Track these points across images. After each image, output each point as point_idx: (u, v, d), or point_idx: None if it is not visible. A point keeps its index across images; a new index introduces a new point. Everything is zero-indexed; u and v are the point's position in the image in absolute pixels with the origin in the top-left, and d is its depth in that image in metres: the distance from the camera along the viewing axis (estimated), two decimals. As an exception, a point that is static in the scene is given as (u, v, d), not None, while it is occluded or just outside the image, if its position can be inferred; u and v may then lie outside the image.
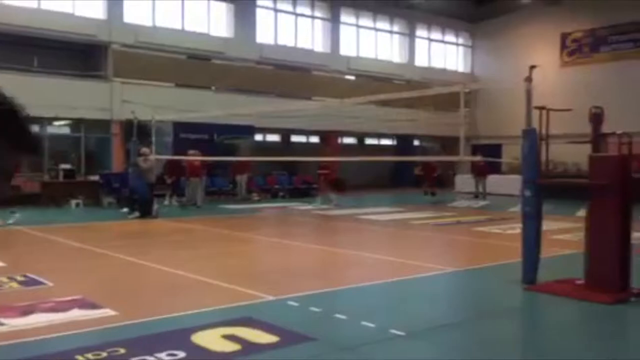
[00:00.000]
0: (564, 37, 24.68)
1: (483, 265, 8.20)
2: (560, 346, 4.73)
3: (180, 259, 8.39)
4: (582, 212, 6.27)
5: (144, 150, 14.15)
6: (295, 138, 24.76)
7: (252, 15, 22.20)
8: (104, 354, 4.17)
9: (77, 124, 18.68)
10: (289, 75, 22.75)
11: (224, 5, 21.50)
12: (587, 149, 6.93)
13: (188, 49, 20.36)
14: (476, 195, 20.66)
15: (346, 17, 25.05)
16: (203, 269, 7.50)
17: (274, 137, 24.26)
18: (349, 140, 26.31)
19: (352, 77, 25.02)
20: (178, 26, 20.32)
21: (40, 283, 6.53)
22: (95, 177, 17.48)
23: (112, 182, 16.95)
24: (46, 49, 18.18)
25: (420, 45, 27.53)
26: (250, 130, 20.69)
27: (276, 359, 4.24)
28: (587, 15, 23.65)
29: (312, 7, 24.07)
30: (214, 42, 21.07)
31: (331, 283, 6.89)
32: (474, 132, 26.78)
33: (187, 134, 18.97)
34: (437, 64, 27.95)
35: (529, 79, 7.00)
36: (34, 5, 17.55)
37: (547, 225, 10.35)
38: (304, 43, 23.73)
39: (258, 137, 22.46)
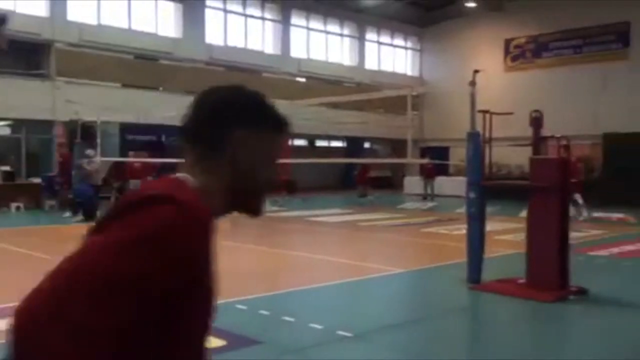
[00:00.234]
0: (507, 42, 25.39)
1: (430, 265, 8.35)
2: (504, 344, 4.86)
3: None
4: (524, 213, 6.46)
5: (89, 152, 13.80)
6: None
7: (201, 15, 21.96)
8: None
9: (17, 124, 18.04)
10: (239, 76, 22.56)
11: (172, 4, 21.19)
12: (529, 151, 7.16)
13: (135, 48, 19.96)
14: (424, 197, 21.02)
15: (297, 19, 25.07)
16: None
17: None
18: (300, 142, 26.34)
19: (303, 79, 25.05)
20: (125, 25, 19.90)
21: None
22: (37, 180, 16.92)
23: (54, 185, 16.45)
24: (-15, 47, 17.50)
25: (370, 48, 27.82)
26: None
27: (222, 363, 4.20)
28: (530, 21, 24.40)
29: (263, 8, 23.99)
30: (162, 42, 20.73)
31: (280, 285, 6.88)
32: (423, 134, 27.25)
33: (134, 136, 18.59)
34: (387, 67, 28.30)
35: (472, 83, 7.18)
36: (-28, 0, 16.88)
37: (491, 226, 10.62)
38: (254, 44, 23.62)
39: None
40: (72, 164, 15.13)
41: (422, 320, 5.66)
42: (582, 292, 6.26)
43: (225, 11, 22.75)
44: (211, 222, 1.07)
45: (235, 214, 1.30)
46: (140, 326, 0.93)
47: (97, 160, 13.89)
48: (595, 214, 14.67)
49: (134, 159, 16.04)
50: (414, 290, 7.16)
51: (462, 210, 8.49)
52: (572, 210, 13.60)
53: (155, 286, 0.93)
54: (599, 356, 4.50)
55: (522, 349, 4.81)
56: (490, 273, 6.95)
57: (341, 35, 26.80)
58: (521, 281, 6.53)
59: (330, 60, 26.12)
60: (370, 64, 27.66)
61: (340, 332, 4.85)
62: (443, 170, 23.34)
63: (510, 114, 7.61)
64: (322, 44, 26.04)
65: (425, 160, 20.76)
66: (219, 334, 4.70)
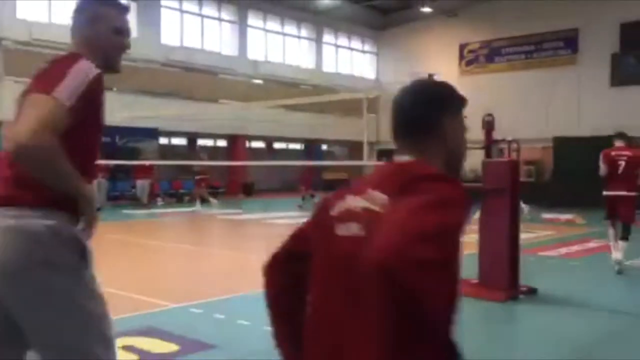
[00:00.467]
0: (462, 47, 25.89)
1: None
2: (458, 343, 4.95)
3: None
4: (478, 215, 6.59)
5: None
6: (202, 141, 24.38)
7: (157, 15, 21.65)
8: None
9: (-37, 124, 17.41)
10: (196, 77, 22.35)
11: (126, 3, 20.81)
12: (482, 155, 7.31)
13: (88, 47, 19.53)
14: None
15: (253, 20, 24.98)
16: (101, 278, 7.20)
17: (180, 141, 23.76)
18: (258, 145, 26.25)
19: (260, 81, 24.97)
20: (77, 24, 19.45)
21: None
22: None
23: None
24: None
25: (328, 51, 27.94)
26: (155, 133, 20.16)
27: (176, 368, 4.15)
28: (484, 27, 24.95)
29: (219, 9, 23.82)
30: (116, 41, 20.34)
31: (237, 289, 6.82)
32: (380, 137, 27.52)
33: (86, 137, 18.18)
34: (344, 70, 28.47)
35: (427, 87, 7.28)
36: None
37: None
38: (211, 45, 23.42)
39: (163, 141, 21.92)
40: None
41: None
42: (532, 292, 6.43)
43: (182, 11, 22.49)
44: None
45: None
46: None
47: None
48: (545, 216, 15.09)
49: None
50: (369, 291, 7.22)
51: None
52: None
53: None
54: (547, 353, 4.63)
55: (474, 348, 4.89)
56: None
57: (298, 37, 26.83)
58: (474, 281, 6.66)
59: (288, 62, 26.12)
60: (328, 66, 27.78)
61: (296, 335, 4.85)
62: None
63: (464, 117, 7.76)
64: (280, 45, 26.02)
65: (382, 163, 20.96)
66: (172, 339, 4.65)
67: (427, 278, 1.08)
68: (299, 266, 1.48)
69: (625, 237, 7.71)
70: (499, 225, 6.33)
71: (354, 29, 28.48)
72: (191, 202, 19.25)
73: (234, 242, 11.83)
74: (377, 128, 27.57)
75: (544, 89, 22.68)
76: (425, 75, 7.40)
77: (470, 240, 9.91)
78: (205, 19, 23.29)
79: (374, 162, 22.28)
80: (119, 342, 4.56)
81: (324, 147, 28.87)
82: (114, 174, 18.28)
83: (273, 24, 25.77)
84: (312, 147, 27.48)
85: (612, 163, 7.85)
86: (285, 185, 25.81)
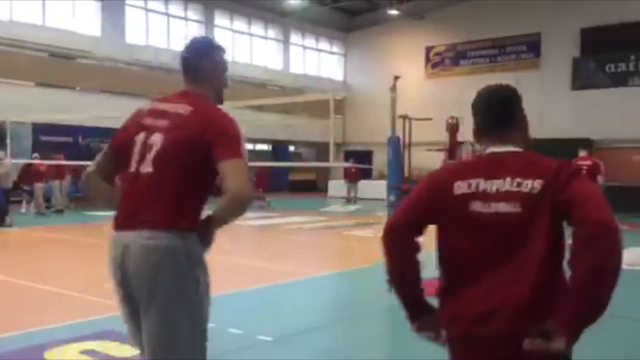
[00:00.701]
0: (428, 50, 26.16)
1: (352, 268, 8.46)
2: (422, 343, 4.98)
3: (37, 270, 7.84)
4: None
5: (-2, 153, 13.09)
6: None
7: (122, 13, 21.30)
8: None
9: None
10: (162, 77, 22.02)
11: (90, 2, 20.43)
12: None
13: (50, 46, 19.10)
14: (348, 200, 21.28)
15: (220, 20, 24.80)
16: (62, 281, 7.06)
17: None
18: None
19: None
20: (39, 22, 19.01)
21: None
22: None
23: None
24: None
25: (295, 52, 27.92)
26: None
27: (138, 372, 4.07)
28: (449, 31, 25.26)
29: (185, 8, 23.58)
30: (79, 40, 19.94)
31: (201, 291, 6.76)
32: (347, 138, 27.62)
33: (48, 137, 17.80)
34: (312, 71, 28.48)
35: (393, 89, 7.35)
36: None
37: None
38: (177, 45, 23.14)
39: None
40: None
41: (343, 322, 5.71)
42: (495, 291, 6.52)
43: (147, 10, 22.19)
44: None
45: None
46: None
47: (7, 163, 13.19)
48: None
49: (40, 161, 15.36)
50: (335, 292, 7.22)
51: (384, 213, 8.67)
52: None
53: None
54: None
55: (439, 348, 4.94)
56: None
57: (266, 38, 26.75)
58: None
59: (255, 62, 26.01)
60: (296, 67, 27.75)
61: (261, 337, 4.82)
62: (366, 174, 23.73)
63: (429, 119, 7.86)
64: (247, 46, 25.89)
65: (348, 164, 21.03)
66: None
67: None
68: (416, 233, 1.91)
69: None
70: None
71: (321, 31, 28.53)
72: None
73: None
74: (344, 129, 27.69)
75: (508, 92, 23.07)
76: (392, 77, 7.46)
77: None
78: (171, 18, 23.02)
79: (340, 164, 22.36)
80: (79, 346, 4.48)
81: (292, 148, 28.82)
82: (76, 175, 17.90)
83: (240, 24, 25.63)
84: (279, 148, 27.41)
85: None
86: (252, 186, 25.65)
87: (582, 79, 22.27)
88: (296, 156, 28.52)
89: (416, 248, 1.93)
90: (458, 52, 25.30)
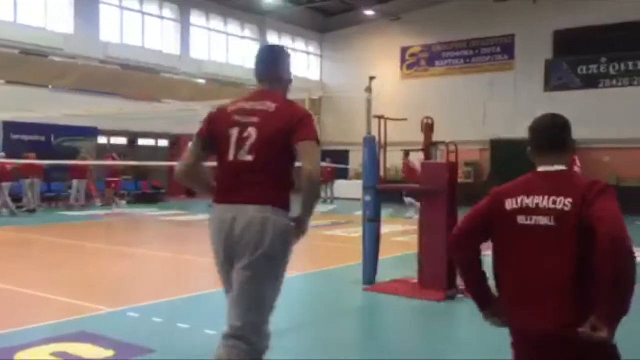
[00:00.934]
0: (404, 51, 26.31)
1: (327, 268, 8.47)
2: (395, 343, 5.01)
3: (6, 272, 7.69)
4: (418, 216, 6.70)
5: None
6: (142, 141, 23.84)
7: (96, 11, 21.00)
8: None
9: None
10: (137, 76, 21.83)
11: (63, -1, 20.12)
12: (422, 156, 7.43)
13: (21, 43, 18.75)
14: (324, 200, 21.31)
15: (196, 19, 24.62)
16: (35, 282, 6.94)
17: (119, 140, 23.15)
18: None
19: (203, 81, 24.63)
20: (10, 18, 18.65)
21: None
22: None
23: None
24: None
25: (272, 51, 27.81)
26: (93, 132, 19.58)
27: (111, 374, 4.03)
28: (425, 32, 25.43)
29: (161, 6, 23.36)
30: (52, 37, 19.61)
31: (177, 292, 6.70)
32: (323, 138, 27.63)
33: (19, 135, 17.50)
34: (288, 71, 28.42)
35: (369, 89, 7.38)
36: None
37: (387, 228, 10.95)
38: (152, 44, 22.93)
39: (102, 140, 21.31)
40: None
41: (316, 322, 5.71)
42: (469, 291, 6.59)
43: (122, 8, 21.93)
44: None
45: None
46: None
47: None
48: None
49: (5, 161, 15.08)
50: (309, 293, 7.22)
51: (360, 213, 8.70)
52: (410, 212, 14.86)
53: None
54: (482, 350, 4.76)
55: (412, 348, 4.98)
56: (385, 274, 7.15)
57: (242, 37, 26.64)
58: (414, 281, 6.78)
59: (232, 62, 25.88)
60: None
61: (236, 337, 4.79)
62: (343, 174, 23.78)
63: (404, 120, 7.89)
64: (223, 45, 25.76)
65: (323, 164, 21.04)
66: (107, 344, 4.51)
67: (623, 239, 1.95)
68: (477, 240, 2.32)
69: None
70: (437, 225, 6.45)
71: (297, 31, 28.50)
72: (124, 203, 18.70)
73: (173, 244, 11.61)
74: (321, 129, 27.69)
75: (482, 93, 23.32)
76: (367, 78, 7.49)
77: (411, 240, 10.07)
78: (146, 17, 22.78)
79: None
80: (50, 348, 4.42)
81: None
82: (49, 174, 17.64)
83: (216, 23, 25.48)
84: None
85: None
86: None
87: (554, 81, 22.61)
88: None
89: (478, 251, 2.33)
90: (433, 53, 25.48)
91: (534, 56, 22.72)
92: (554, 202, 2.08)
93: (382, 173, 7.47)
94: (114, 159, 16.90)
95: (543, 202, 2.11)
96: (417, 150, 7.58)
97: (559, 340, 2.05)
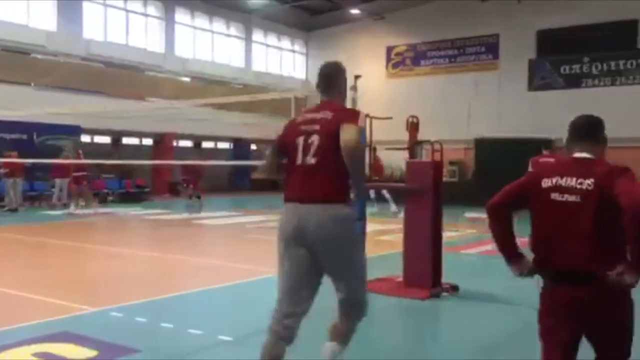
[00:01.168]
0: (389, 50, 26.36)
1: (313, 266, 8.44)
2: (379, 341, 5.02)
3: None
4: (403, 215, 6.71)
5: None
6: (126, 140, 23.66)
7: (79, 8, 20.81)
8: None
9: None
10: (120, 73, 21.65)
11: (46, -5, 19.89)
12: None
13: (3, 40, 18.52)
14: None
15: (181, 17, 24.48)
16: (17, 282, 6.86)
17: (103, 139, 22.96)
18: (185, 143, 25.75)
19: (188, 79, 24.49)
20: (-9, 15, 18.43)
21: None
22: None
23: None
24: None
25: (257, 50, 27.77)
26: (76, 130, 19.38)
27: (94, 374, 3.99)
28: (410, 31, 25.50)
29: (145, 4, 23.19)
30: (34, 34, 19.40)
31: (161, 291, 6.65)
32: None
33: (1, 134, 17.29)
34: (274, 69, 28.38)
35: (354, 88, 7.37)
36: None
37: (373, 226, 10.97)
38: (136, 41, 22.75)
39: (85, 139, 21.11)
40: None
41: (303, 321, 5.69)
42: (454, 289, 6.62)
43: (105, 5, 21.74)
44: None
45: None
46: None
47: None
48: (468, 215, 15.61)
49: None
50: (296, 291, 7.21)
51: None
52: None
53: None
54: (466, 347, 4.78)
55: (396, 345, 4.99)
56: (370, 273, 7.09)
57: (228, 35, 26.53)
58: (399, 279, 6.79)
59: (217, 60, 25.77)
60: (258, 65, 27.61)
61: (221, 337, 4.78)
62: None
63: (389, 118, 7.91)
64: (208, 43, 25.63)
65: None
66: (89, 344, 4.47)
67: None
68: (511, 208, 2.89)
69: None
70: (422, 224, 6.47)
71: (283, 29, 28.44)
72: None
73: (157, 243, 11.53)
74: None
75: (467, 92, 23.44)
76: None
77: (397, 239, 10.10)
78: (130, 14, 22.60)
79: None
80: (32, 348, 4.36)
81: (253, 146, 28.68)
82: (31, 173, 17.43)
83: (201, 21, 25.35)
84: (240, 147, 27.25)
85: None
86: (214, 185, 25.46)
87: (538, 80, 22.80)
88: (258, 155, 28.35)
89: (510, 218, 2.88)
90: (418, 53, 25.57)
91: (518, 56, 22.88)
92: (580, 183, 2.62)
93: (367, 171, 7.48)
94: (79, 156, 16.17)
95: (572, 182, 2.64)
96: (402, 149, 7.59)
97: (583, 274, 2.58)
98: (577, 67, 22.05)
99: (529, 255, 2.83)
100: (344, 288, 3.49)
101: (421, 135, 7.53)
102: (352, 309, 3.62)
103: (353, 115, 3.36)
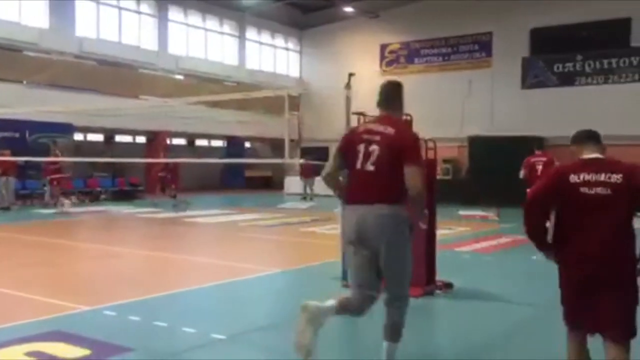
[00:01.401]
0: (383, 48, 26.36)
1: (307, 265, 8.45)
2: (373, 338, 5.02)
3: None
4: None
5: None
6: (119, 138, 23.58)
7: (71, 5, 20.70)
8: None
9: None
10: (113, 71, 21.56)
11: (38, -7, 19.78)
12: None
13: (-5, 37, 18.42)
14: (304, 197, 21.29)
15: (174, 15, 24.39)
16: (9, 281, 6.82)
17: (96, 137, 22.87)
18: (179, 141, 25.69)
19: (181, 77, 24.42)
20: (-18, 12, 18.32)
21: None
22: None
23: None
24: None
25: (251, 48, 27.71)
26: (69, 128, 19.30)
27: (87, 373, 3.97)
28: (404, 29, 25.51)
29: (138, 2, 23.09)
30: (26, 32, 19.29)
31: (154, 290, 6.63)
32: (303, 134, 27.56)
33: (-7, 132, 17.22)
34: (268, 67, 28.32)
35: (348, 86, 7.37)
36: None
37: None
38: (129, 39, 22.66)
39: (78, 137, 21.03)
40: None
41: (296, 319, 5.69)
42: (448, 286, 6.63)
43: (98, 3, 21.63)
44: None
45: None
46: None
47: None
48: (461, 212, 15.65)
49: None
50: (289, 290, 7.20)
51: (339, 209, 8.70)
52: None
53: None
54: (461, 345, 4.79)
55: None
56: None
57: (221, 33, 26.46)
58: (392, 277, 6.79)
59: (210, 58, 25.70)
60: (251, 63, 27.56)
61: (214, 335, 4.77)
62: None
63: (383, 116, 7.88)
64: (202, 41, 25.56)
65: (302, 161, 21.00)
66: (83, 343, 4.45)
67: None
68: (548, 203, 3.25)
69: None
70: (415, 222, 6.46)
71: (276, 27, 28.39)
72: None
73: (150, 241, 11.50)
74: (300, 126, 27.60)
75: (461, 90, 23.47)
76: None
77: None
78: (123, 12, 22.50)
79: (293, 160, 22.28)
80: (24, 347, 4.34)
81: (247, 144, 28.64)
82: (23, 171, 17.36)
83: (195, 19, 25.27)
84: (234, 145, 27.20)
85: (532, 167, 10.97)
86: (207, 183, 25.42)
87: (531, 79, 22.85)
88: (252, 153, 28.33)
89: (544, 214, 3.28)
90: (412, 51, 25.58)
91: (511, 54, 22.92)
92: (609, 177, 3.04)
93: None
94: (57, 155, 15.86)
95: (601, 177, 3.06)
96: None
97: (608, 260, 3.04)
98: (571, 65, 22.11)
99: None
100: (394, 283, 3.84)
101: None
102: (400, 305, 3.93)
103: (415, 148, 3.78)
